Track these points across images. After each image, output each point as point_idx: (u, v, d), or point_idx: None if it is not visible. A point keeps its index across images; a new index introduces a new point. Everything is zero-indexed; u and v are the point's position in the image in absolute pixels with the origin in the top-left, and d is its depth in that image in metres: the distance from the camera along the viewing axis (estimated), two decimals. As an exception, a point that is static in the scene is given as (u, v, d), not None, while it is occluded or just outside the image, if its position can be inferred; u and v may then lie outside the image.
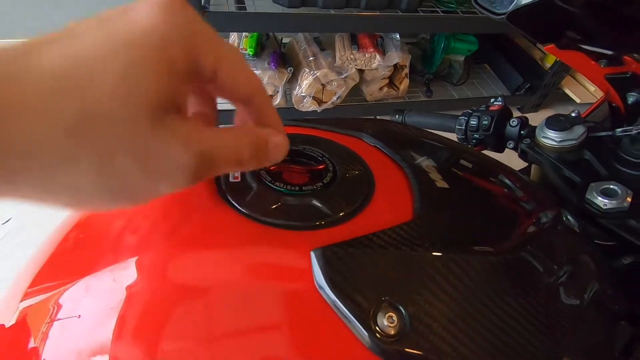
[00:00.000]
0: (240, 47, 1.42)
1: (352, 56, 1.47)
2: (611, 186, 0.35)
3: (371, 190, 0.22)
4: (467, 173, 0.28)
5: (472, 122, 0.50)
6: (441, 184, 0.24)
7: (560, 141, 0.40)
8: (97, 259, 0.20)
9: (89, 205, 0.14)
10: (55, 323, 0.20)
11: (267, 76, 1.42)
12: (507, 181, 0.30)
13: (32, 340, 0.20)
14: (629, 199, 0.33)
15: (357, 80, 1.54)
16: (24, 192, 0.14)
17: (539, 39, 0.45)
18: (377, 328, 0.16)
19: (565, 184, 0.38)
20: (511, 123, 0.47)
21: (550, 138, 0.41)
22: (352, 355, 0.17)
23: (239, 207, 0.20)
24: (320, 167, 0.23)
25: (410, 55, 1.58)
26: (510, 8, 0.44)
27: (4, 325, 0.22)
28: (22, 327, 0.21)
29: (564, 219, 0.32)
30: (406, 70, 1.61)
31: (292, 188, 0.21)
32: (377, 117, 1.62)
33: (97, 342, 0.19)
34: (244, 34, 1.43)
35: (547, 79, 1.76)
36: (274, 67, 1.42)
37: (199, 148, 0.14)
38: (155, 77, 0.13)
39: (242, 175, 0.22)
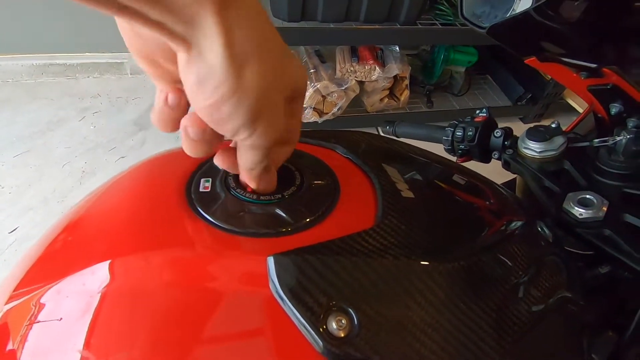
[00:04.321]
0: (243, 60, 1.45)
1: (352, 68, 1.49)
2: (587, 196, 0.35)
3: (335, 200, 0.23)
4: (436, 183, 0.29)
5: (457, 133, 0.50)
6: (407, 193, 0.25)
7: (541, 152, 0.41)
8: (74, 262, 0.21)
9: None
10: (35, 326, 0.21)
11: (268, 88, 1.44)
12: (479, 191, 0.31)
13: (10, 342, 0.21)
14: (604, 209, 0.34)
15: (357, 92, 1.56)
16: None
17: (520, 52, 0.46)
18: (326, 331, 0.17)
19: (545, 194, 0.39)
20: (495, 134, 0.48)
21: (531, 149, 0.42)
22: (304, 358, 0.17)
23: (204, 215, 0.21)
24: (294, 172, 0.24)
25: (410, 67, 1.60)
26: (491, 22, 0.45)
27: None
28: (3, 329, 0.22)
29: (539, 229, 0.32)
30: (406, 82, 1.63)
31: (259, 198, 0.23)
32: (377, 128, 1.63)
33: (68, 347, 0.20)
34: (246, 47, 1.46)
35: (548, 89, 1.76)
36: (275, 80, 1.44)
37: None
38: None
39: (212, 185, 0.23)
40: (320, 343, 0.17)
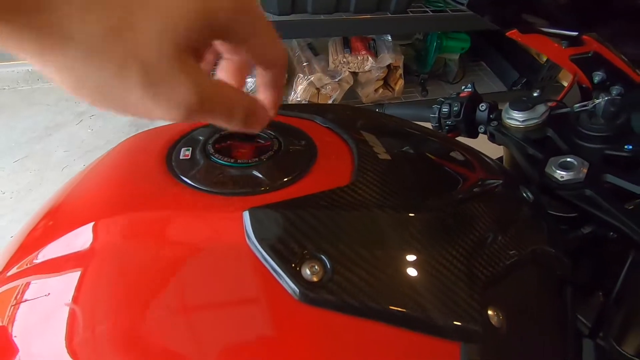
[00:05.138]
0: (235, 56, 1.46)
1: (344, 59, 1.49)
2: (568, 159, 0.35)
3: (312, 162, 0.24)
4: (415, 148, 0.30)
5: (444, 110, 0.51)
6: (384, 156, 0.25)
7: (524, 120, 0.42)
8: (58, 230, 0.22)
9: (90, 97, 0.16)
10: (22, 304, 0.22)
11: (262, 83, 1.45)
12: (460, 156, 0.32)
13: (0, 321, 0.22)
14: (584, 170, 0.34)
15: (351, 83, 1.56)
16: (50, 65, 0.15)
17: (501, 25, 0.46)
18: (301, 277, 0.18)
19: (528, 161, 0.39)
20: (480, 108, 0.48)
21: (514, 118, 0.42)
22: (280, 304, 0.18)
23: (184, 179, 0.22)
24: (266, 143, 0.25)
25: (402, 56, 1.60)
26: (470, -4, 0.45)
27: None
28: None
29: (523, 194, 0.33)
30: (400, 71, 1.63)
31: (237, 162, 0.23)
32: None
33: (55, 317, 0.20)
34: (238, 43, 1.47)
35: (543, 73, 1.76)
36: (268, 74, 1.45)
37: (202, 90, 0.17)
38: (192, 24, 0.16)
39: (192, 153, 0.24)
40: (296, 289, 0.18)
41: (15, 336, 0.22)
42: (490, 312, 0.20)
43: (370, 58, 1.50)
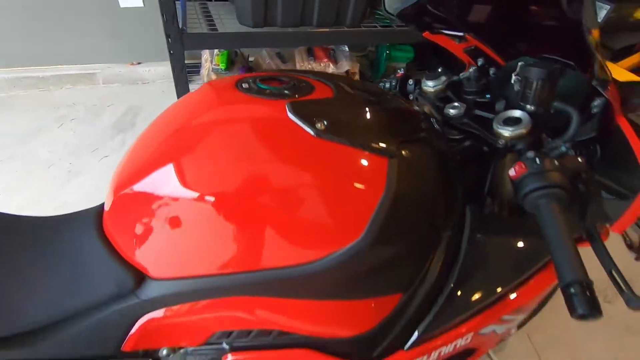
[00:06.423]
0: (214, 63, 1.66)
1: (309, 66, 1.74)
2: (456, 104, 0.60)
3: (312, 90, 0.46)
4: (367, 91, 0.53)
5: (386, 86, 0.76)
6: (349, 90, 0.49)
7: (433, 86, 0.67)
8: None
9: None
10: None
11: (238, 86, 1.66)
12: (389, 98, 0.55)
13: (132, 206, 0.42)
14: (463, 109, 0.59)
15: (316, 86, 1.81)
16: None
17: (419, 29, 0.72)
18: (316, 127, 0.40)
19: (435, 109, 0.64)
20: (409, 83, 0.73)
21: (428, 86, 0.67)
22: (306, 139, 0.40)
23: (247, 92, 0.44)
24: (287, 82, 0.47)
25: (358, 64, 1.87)
26: (398, 9, 0.71)
27: (109, 209, 0.43)
28: (121, 201, 0.43)
29: (434, 125, 0.57)
30: (357, 76, 1.90)
31: (276, 86, 0.45)
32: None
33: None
34: (215, 51, 1.67)
35: (474, 78, 2.11)
36: (244, 78, 1.66)
37: None
38: None
39: (249, 84, 0.45)
40: (313, 132, 0.40)
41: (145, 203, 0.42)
42: (402, 151, 0.43)
43: (331, 65, 1.76)
